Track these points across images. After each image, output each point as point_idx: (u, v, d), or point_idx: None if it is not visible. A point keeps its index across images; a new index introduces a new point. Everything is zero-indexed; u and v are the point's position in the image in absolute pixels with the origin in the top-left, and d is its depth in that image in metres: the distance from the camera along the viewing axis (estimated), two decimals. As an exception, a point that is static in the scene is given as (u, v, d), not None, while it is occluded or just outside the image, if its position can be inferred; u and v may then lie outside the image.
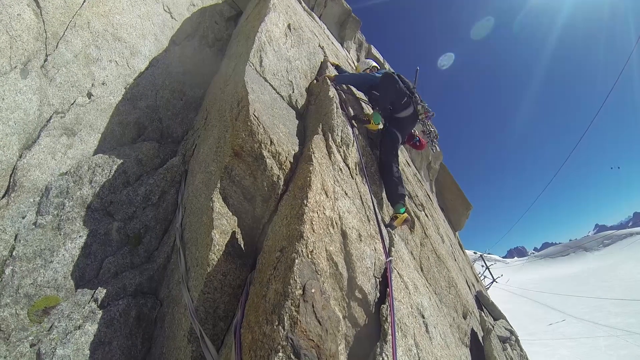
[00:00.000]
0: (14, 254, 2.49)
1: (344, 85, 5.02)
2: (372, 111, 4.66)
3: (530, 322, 32.14)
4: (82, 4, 3.82)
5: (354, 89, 5.36)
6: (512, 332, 6.50)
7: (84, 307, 2.44)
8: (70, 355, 2.15)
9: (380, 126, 4.49)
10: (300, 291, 1.71)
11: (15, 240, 2.55)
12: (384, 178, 4.25)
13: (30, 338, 2.20)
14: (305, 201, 2.22)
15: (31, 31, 3.18)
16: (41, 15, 3.35)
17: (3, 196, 2.68)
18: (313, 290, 1.78)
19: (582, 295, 39.14)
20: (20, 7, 3.13)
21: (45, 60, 3.30)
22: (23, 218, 2.67)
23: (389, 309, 2.32)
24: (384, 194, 4.12)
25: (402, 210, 3.90)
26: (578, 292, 42.55)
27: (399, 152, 4.93)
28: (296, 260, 1.83)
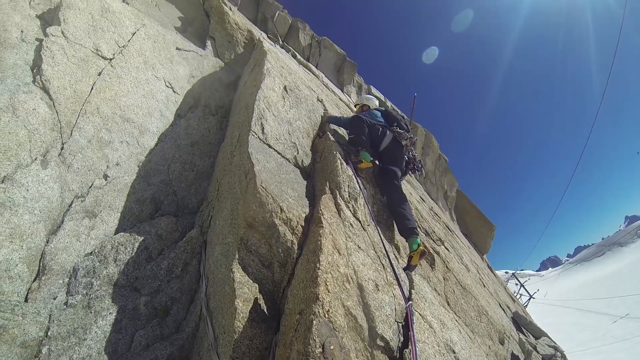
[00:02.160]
0: (49, 334, 2.62)
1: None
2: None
3: (577, 332, 30.76)
4: (90, 91, 4.06)
5: None
6: (556, 349, 6.32)
7: None
8: None
9: (371, 164, 4.56)
10: (320, 349, 1.82)
11: (49, 320, 2.70)
12: (393, 214, 4.34)
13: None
14: (318, 264, 2.33)
15: (47, 123, 3.40)
16: (54, 107, 3.57)
17: (34, 280, 2.83)
18: (332, 347, 1.88)
19: (626, 295, 37.47)
20: (34, 102, 3.38)
21: (62, 148, 3.50)
22: (54, 299, 2.82)
23: (411, 353, 2.36)
24: (397, 236, 4.20)
25: (417, 244, 3.87)
26: (621, 290, 40.81)
27: (410, 188, 5.03)
28: (314, 322, 1.94)
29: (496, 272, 12.87)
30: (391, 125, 5.00)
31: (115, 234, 3.57)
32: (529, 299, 34.34)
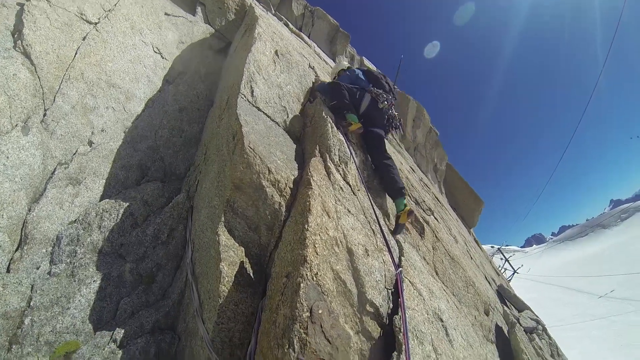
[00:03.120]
0: (31, 304, 2.57)
1: None
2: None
3: (557, 308, 31.69)
4: (74, 56, 3.92)
5: None
6: (538, 322, 6.43)
7: (103, 349, 2.49)
8: (93, 397, 2.19)
9: (360, 125, 4.49)
10: (308, 313, 1.76)
11: (31, 290, 2.64)
12: (380, 179, 4.35)
13: (54, 384, 2.25)
14: (306, 225, 2.27)
15: (28, 89, 3.28)
16: (36, 72, 3.45)
17: (16, 250, 2.76)
18: (320, 311, 1.83)
19: (606, 274, 38.50)
20: (15, 67, 3.25)
21: (45, 114, 3.39)
22: (37, 269, 2.76)
23: (401, 319, 2.33)
24: (388, 204, 4.17)
25: (404, 204, 3.97)
26: (602, 270, 41.89)
27: (401, 158, 4.99)
28: (301, 284, 1.89)
29: (482, 246, 13.06)
30: (372, 84, 4.93)
31: (100, 201, 3.49)
32: (513, 274, 35.11)
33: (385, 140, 4.99)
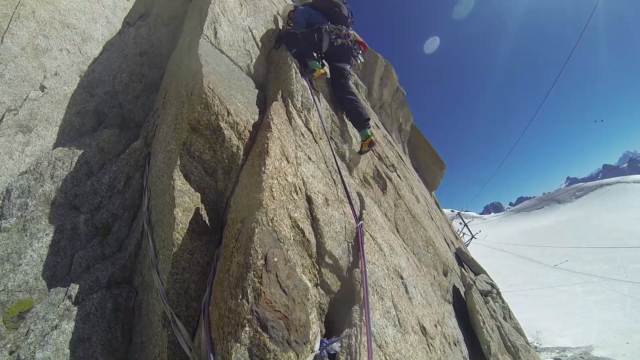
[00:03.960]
0: None
1: None
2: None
3: (510, 274, 33.35)
4: (25, -8, 3.63)
5: None
6: (492, 286, 6.72)
7: (58, 306, 2.38)
8: (50, 356, 2.11)
9: (325, 69, 4.51)
10: (262, 261, 1.69)
11: None
12: (345, 112, 4.49)
13: (8, 345, 2.15)
14: (263, 168, 2.20)
15: (-28, 28, 2.99)
16: (-20, 9, 3.16)
17: None
18: (276, 260, 1.76)
19: (557, 246, 40.62)
20: (-44, 3, 2.95)
21: (-9, 57, 3.14)
22: None
23: (362, 273, 2.32)
24: (350, 154, 4.15)
25: (367, 134, 4.22)
26: (554, 242, 44.11)
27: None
28: (256, 230, 1.81)
29: (443, 209, 13.39)
30: (328, 19, 4.86)
31: (54, 149, 3.29)
32: (471, 239, 36.57)
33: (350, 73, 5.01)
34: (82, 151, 3.32)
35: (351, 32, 4.89)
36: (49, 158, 3.13)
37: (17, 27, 3.45)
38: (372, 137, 4.23)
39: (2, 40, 3.28)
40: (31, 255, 2.59)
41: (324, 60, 4.76)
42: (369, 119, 4.36)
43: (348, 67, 4.82)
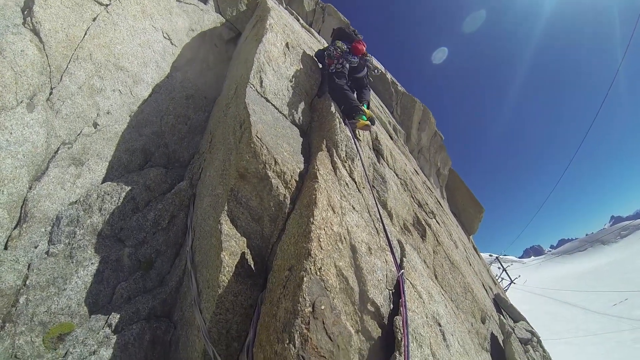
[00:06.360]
0: (27, 283, 2.54)
1: None
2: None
3: (552, 321, 31.60)
4: (84, 36, 3.89)
5: None
6: (533, 334, 6.39)
7: (98, 333, 2.47)
8: (87, 380, 2.16)
9: (368, 122, 4.50)
10: (310, 308, 1.72)
11: (28, 269, 2.61)
12: (337, 102, 4.51)
13: (45, 365, 2.21)
14: (311, 219, 2.23)
15: (35, 66, 3.24)
16: (44, 50, 3.42)
17: (15, 227, 2.73)
18: (323, 307, 1.78)
19: (603, 290, 38.40)
20: (23, 44, 3.21)
21: (51, 93, 3.37)
22: (35, 248, 2.73)
23: (402, 321, 2.30)
24: (391, 203, 4.11)
25: (364, 117, 4.30)
26: (599, 286, 41.77)
27: (405, 160, 5.02)
28: (305, 278, 1.84)
29: (481, 254, 12.99)
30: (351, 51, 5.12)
31: (102, 183, 3.44)
32: (510, 284, 34.96)
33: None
34: (129, 187, 3.46)
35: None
36: (98, 191, 3.28)
37: (76, 68, 3.67)
38: (367, 123, 4.31)
39: (61, 79, 3.50)
40: (76, 282, 2.70)
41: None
42: (359, 106, 4.43)
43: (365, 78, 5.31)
